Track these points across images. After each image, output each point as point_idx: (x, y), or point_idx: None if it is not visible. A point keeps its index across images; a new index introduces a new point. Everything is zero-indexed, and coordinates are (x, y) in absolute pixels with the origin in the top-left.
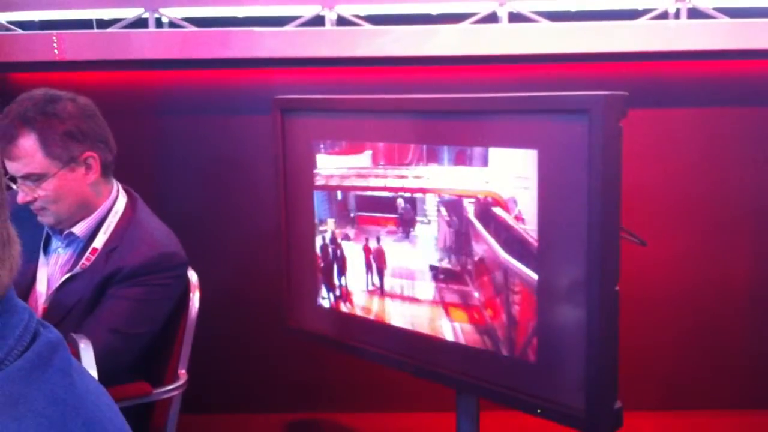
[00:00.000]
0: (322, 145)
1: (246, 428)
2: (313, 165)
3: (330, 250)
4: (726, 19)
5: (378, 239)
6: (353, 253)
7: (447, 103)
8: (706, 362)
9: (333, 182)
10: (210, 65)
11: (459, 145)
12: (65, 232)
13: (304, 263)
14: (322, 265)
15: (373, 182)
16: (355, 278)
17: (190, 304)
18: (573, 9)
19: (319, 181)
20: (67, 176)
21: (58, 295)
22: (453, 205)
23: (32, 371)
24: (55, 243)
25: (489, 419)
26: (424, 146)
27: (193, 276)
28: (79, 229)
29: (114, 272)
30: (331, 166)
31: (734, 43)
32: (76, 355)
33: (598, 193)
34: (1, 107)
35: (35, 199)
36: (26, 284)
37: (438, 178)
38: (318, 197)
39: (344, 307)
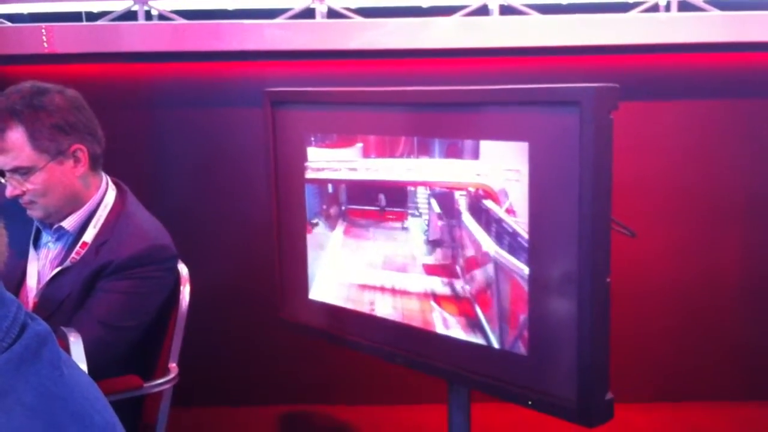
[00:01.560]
0: (313, 138)
1: (237, 421)
2: (305, 157)
3: (321, 242)
4: (716, 12)
5: (369, 231)
6: (344, 245)
7: (438, 95)
8: (697, 354)
9: (324, 175)
10: (200, 58)
11: (450, 137)
12: (55, 226)
13: (296, 255)
14: (313, 257)
15: (364, 175)
16: (347, 270)
17: (181, 297)
18: (564, 2)
19: (311, 174)
20: (56, 169)
21: (49, 288)
22: (444, 198)
23: (21, 364)
24: (45, 237)
25: (481, 411)
26: (416, 139)
27: (183, 269)
28: (69, 222)
29: (104, 265)
30: (322, 158)
31: (725, 35)
32: (66, 348)
33: (589, 185)
34: None
35: (24, 193)
36: (17, 279)
37: (429, 170)
38: (309, 189)
39: (336, 300)
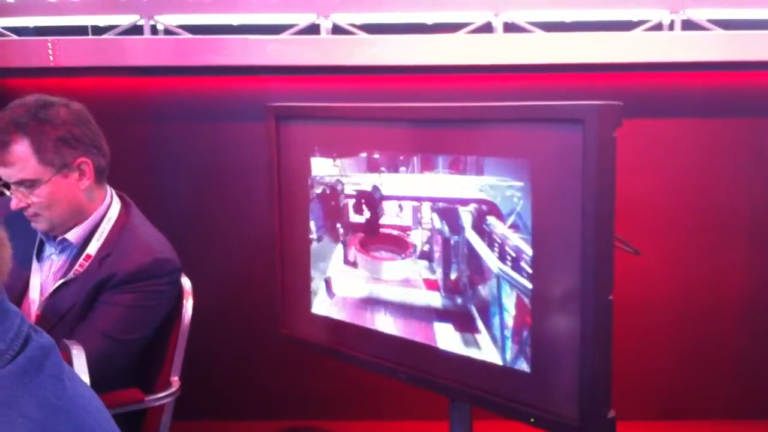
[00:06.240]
0: (316, 153)
1: None
2: (308, 173)
3: (324, 256)
4: (720, 31)
5: (371, 246)
6: (347, 260)
7: (442, 111)
8: (700, 372)
9: (327, 190)
10: (205, 72)
11: (453, 153)
12: (59, 239)
13: (298, 270)
14: (315, 271)
15: (367, 189)
16: (349, 286)
17: (183, 310)
18: (568, 20)
19: (314, 189)
20: (61, 182)
21: (52, 300)
22: (447, 214)
23: (24, 376)
24: (49, 249)
25: (482, 428)
26: (419, 154)
27: (186, 282)
28: (73, 235)
29: (107, 278)
30: (325, 173)
31: (728, 54)
32: (69, 360)
33: (592, 203)
34: None
35: (29, 206)
36: (20, 291)
37: (432, 186)
38: (312, 205)
39: (338, 315)
